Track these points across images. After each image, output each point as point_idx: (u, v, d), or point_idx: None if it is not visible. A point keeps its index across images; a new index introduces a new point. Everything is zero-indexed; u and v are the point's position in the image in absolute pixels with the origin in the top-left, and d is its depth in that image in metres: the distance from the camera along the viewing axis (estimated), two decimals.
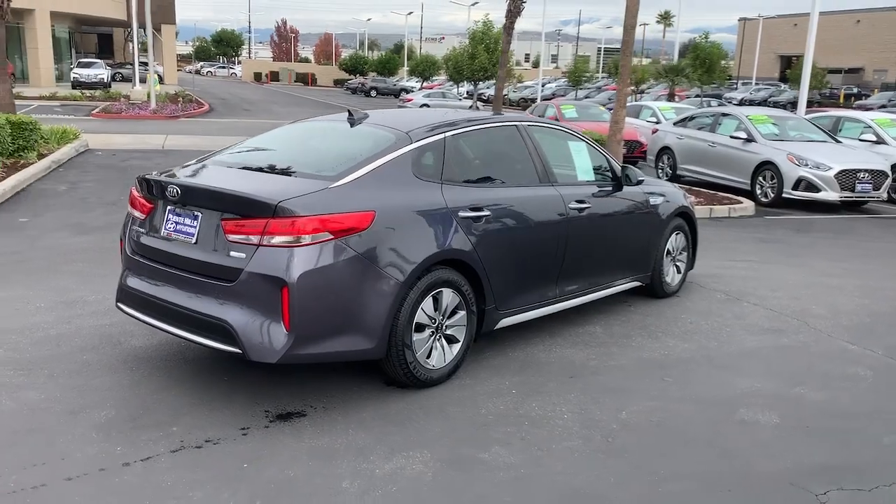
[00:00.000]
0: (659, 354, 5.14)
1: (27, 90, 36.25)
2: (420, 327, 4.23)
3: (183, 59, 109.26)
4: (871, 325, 5.97)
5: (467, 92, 44.06)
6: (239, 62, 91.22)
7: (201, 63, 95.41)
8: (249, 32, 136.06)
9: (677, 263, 6.60)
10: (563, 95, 44.43)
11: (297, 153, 4.64)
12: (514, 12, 17.87)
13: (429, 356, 4.34)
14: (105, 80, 41.50)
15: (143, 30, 60.94)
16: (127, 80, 48.52)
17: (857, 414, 4.30)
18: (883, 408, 4.40)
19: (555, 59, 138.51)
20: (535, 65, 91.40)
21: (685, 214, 6.57)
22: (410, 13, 69.09)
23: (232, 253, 3.83)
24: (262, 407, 4.04)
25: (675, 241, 6.46)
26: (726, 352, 5.24)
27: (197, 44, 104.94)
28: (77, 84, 39.99)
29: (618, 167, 5.86)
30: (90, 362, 4.56)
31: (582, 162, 5.65)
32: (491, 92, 42.73)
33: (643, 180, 6.08)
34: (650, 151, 15.86)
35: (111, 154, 15.39)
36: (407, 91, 47.87)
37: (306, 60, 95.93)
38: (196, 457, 3.50)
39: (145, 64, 56.46)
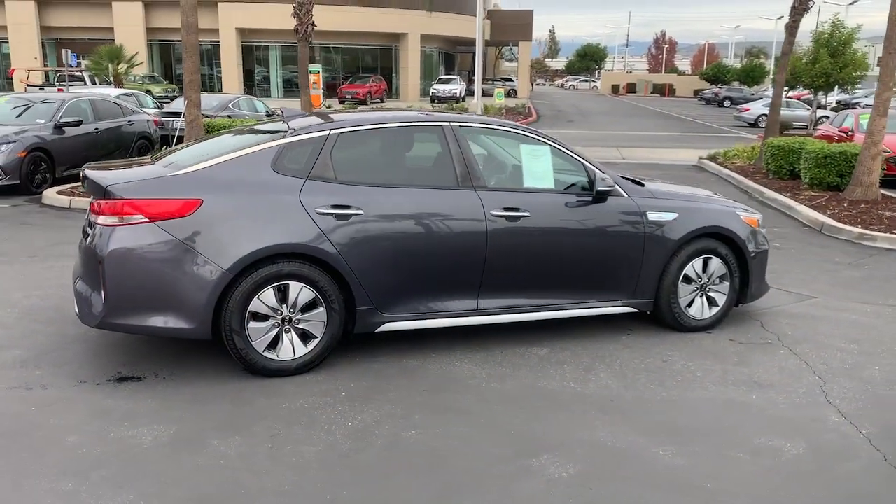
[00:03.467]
0: (557, 386, 4.55)
1: (394, 103, 41.57)
2: (259, 317, 4.41)
3: (557, 75, 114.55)
4: None
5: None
6: (599, 76, 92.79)
7: (567, 77, 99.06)
8: (626, 45, 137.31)
9: (710, 294, 5.60)
10: None
11: (200, 151, 5.04)
12: (798, 9, 15.76)
13: (274, 347, 4.48)
14: (458, 95, 45.50)
15: (513, 47, 65.70)
16: (488, 94, 52.78)
17: None
18: None
19: None
20: None
21: (722, 237, 5.56)
22: (780, 17, 63.41)
23: (90, 230, 4.46)
24: (115, 368, 4.60)
25: (699, 267, 5.51)
26: (643, 423, 4.35)
27: (570, 59, 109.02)
28: (434, 98, 44.47)
29: (603, 176, 5.23)
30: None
31: (537, 168, 5.18)
32: (837, 98, 37.73)
33: (636, 193, 5.34)
34: None
35: None
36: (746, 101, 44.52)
37: (674, 72, 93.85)
38: (22, 394, 4.17)
39: (507, 79, 60.88)
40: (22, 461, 3.50)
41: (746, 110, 36.62)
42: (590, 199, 5.20)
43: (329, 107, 38.28)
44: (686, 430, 4.02)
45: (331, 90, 43.40)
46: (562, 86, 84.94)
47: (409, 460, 3.62)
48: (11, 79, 36.95)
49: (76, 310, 4.53)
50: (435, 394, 4.39)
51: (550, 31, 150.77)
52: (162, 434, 3.80)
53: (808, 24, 32.05)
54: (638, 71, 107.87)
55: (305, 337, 4.57)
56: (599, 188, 5.10)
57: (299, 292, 4.47)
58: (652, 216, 5.33)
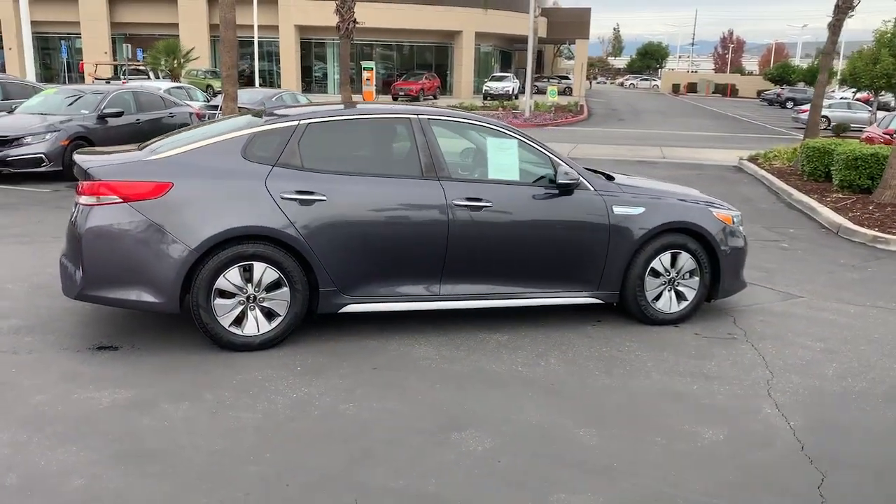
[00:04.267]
0: (504, 369, 4.74)
1: (446, 100, 41.89)
2: (225, 294, 4.72)
3: (619, 73, 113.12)
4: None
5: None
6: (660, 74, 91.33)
7: (627, 76, 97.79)
8: (692, 44, 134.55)
9: (679, 289, 5.69)
10: None
11: (182, 138, 5.35)
12: (842, 8, 15.40)
13: (239, 323, 4.79)
14: (511, 92, 45.50)
15: (570, 45, 65.33)
16: (542, 92, 52.60)
17: None
18: None
19: None
20: None
21: (692, 232, 5.64)
22: (851, 16, 61.17)
23: (74, 210, 4.84)
24: (98, 338, 4.98)
25: (667, 262, 5.61)
26: (574, 406, 4.52)
27: (632, 57, 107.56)
28: (487, 95, 44.57)
29: (573, 171, 5.38)
30: None
31: (503, 160, 5.36)
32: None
33: (603, 187, 5.47)
34: None
35: None
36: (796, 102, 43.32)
37: (739, 72, 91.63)
38: (8, 358, 4.58)
39: (564, 77, 60.56)
40: None
41: (804, 111, 35.67)
42: (556, 191, 5.35)
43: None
44: (613, 415, 4.16)
45: (388, 87, 43.95)
46: (622, 84, 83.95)
47: (337, 429, 3.86)
48: (82, 73, 38.63)
49: (61, 283, 4.92)
50: (384, 371, 4.63)
51: (615, 28, 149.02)
52: (120, 397, 4.13)
53: (872, 24, 30.90)
54: (704, 70, 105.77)
55: (270, 315, 4.85)
56: (560, 181, 5.26)
57: (263, 272, 4.76)
58: (618, 210, 5.45)
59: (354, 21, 18.63)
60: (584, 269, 5.45)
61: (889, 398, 4.52)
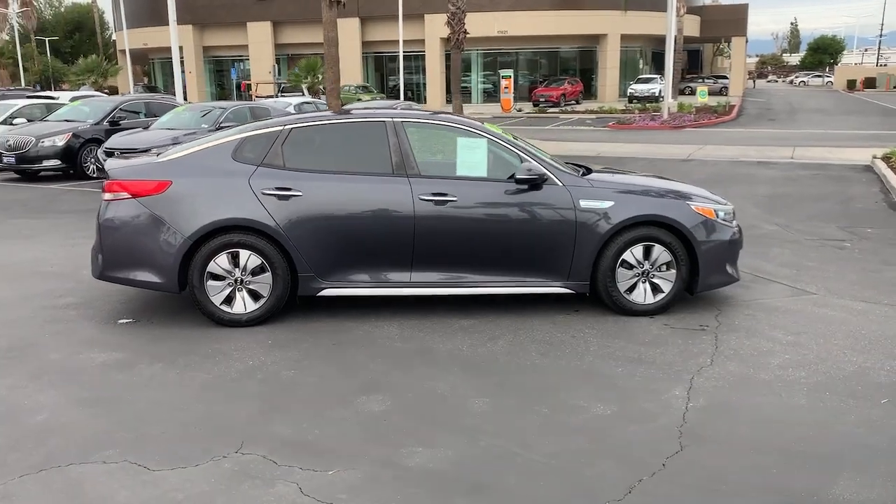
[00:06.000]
0: (448, 348, 5.17)
1: (589, 104, 41.77)
2: (216, 276, 5.52)
3: (792, 70, 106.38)
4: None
5: None
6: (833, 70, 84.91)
7: (797, 73, 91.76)
8: (880, 35, 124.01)
9: (654, 281, 5.84)
10: None
11: (192, 143, 6.13)
12: None
13: (230, 302, 5.57)
14: (657, 94, 44.47)
15: (726, 43, 62.67)
16: (693, 93, 50.83)
17: None
18: None
19: None
20: None
21: (666, 226, 5.77)
22: None
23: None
24: (126, 312, 5.94)
25: (639, 254, 5.78)
26: (486, 380, 4.86)
27: (805, 53, 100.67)
28: (632, 98, 43.85)
29: (538, 167, 5.70)
30: None
31: (471, 158, 5.77)
32: None
33: (572, 182, 5.75)
34: None
35: None
36: None
37: None
38: (46, 323, 5.61)
39: (722, 77, 58.15)
40: (7, 367, 4.86)
41: None
42: (524, 186, 5.70)
43: (520, 110, 39.39)
44: (518, 389, 4.50)
45: (531, 94, 44.42)
46: (791, 82, 79.04)
47: (266, 390, 4.49)
48: (242, 91, 42.23)
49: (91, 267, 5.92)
50: (341, 347, 5.21)
51: (792, 23, 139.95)
52: (111, 358, 5.00)
53: None
54: (894, 63, 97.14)
55: (255, 296, 5.58)
56: (518, 176, 5.60)
57: (248, 258, 5.50)
58: (584, 204, 5.70)
59: (465, 33, 19.38)
60: (552, 260, 5.74)
61: (815, 387, 4.50)
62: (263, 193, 5.48)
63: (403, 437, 3.89)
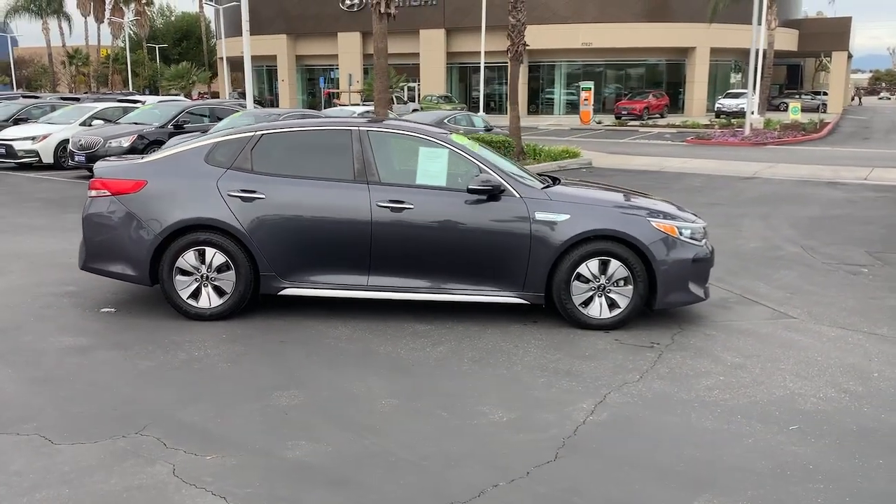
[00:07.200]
0: (387, 351, 5.33)
1: (673, 118, 40.90)
2: (184, 272, 5.87)
3: None
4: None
5: None
6: None
7: None
8: None
9: (611, 296, 5.83)
10: None
11: (178, 146, 6.50)
12: None
13: (196, 297, 5.91)
14: (744, 109, 43.09)
15: (826, 58, 60.07)
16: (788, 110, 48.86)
17: None
18: None
19: None
20: None
21: (624, 241, 5.75)
22: None
23: None
24: (112, 301, 6.37)
25: (595, 268, 5.78)
26: (406, 383, 4.98)
27: None
28: (719, 113, 42.63)
29: (495, 178, 5.80)
30: None
31: (432, 168, 5.91)
32: None
33: (529, 194, 5.81)
34: None
35: (591, 171, 17.73)
36: None
37: None
38: (38, 309, 6.10)
39: (818, 92, 55.72)
40: None
41: None
42: (482, 197, 5.80)
43: (599, 122, 38.99)
44: (430, 393, 4.61)
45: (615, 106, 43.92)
46: None
47: (196, 380, 4.77)
48: (326, 98, 43.57)
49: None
50: (285, 345, 5.45)
51: None
52: (76, 343, 5.41)
53: None
54: None
55: (221, 292, 5.90)
56: (471, 186, 5.71)
57: (213, 256, 5.83)
58: (540, 216, 5.75)
59: (525, 45, 19.36)
60: (507, 270, 5.81)
61: (731, 410, 4.42)
62: (229, 195, 5.79)
63: (295, 431, 4.08)
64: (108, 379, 4.77)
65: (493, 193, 5.77)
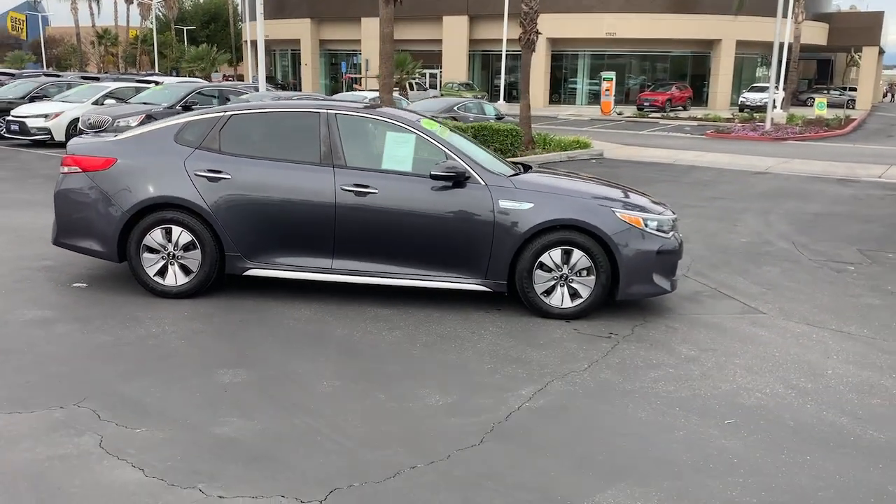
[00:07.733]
0: (343, 334, 5.36)
1: (695, 111, 40.44)
2: (151, 250, 5.95)
3: None
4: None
5: None
6: None
7: None
8: None
9: (572, 285, 5.82)
10: None
11: (152, 125, 6.54)
12: None
13: (163, 274, 5.99)
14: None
15: (857, 53, 58.94)
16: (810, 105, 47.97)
17: None
18: None
19: None
20: None
21: (587, 231, 5.72)
22: None
23: None
24: (84, 276, 6.48)
25: (557, 257, 5.76)
26: (353, 365, 5.01)
27: None
28: (743, 107, 42.08)
29: (460, 165, 5.80)
30: None
31: (398, 153, 5.92)
32: None
33: (494, 181, 5.80)
34: None
35: (601, 162, 17.65)
36: None
37: None
38: (12, 283, 6.23)
39: (847, 88, 54.71)
40: None
41: None
42: (447, 183, 5.80)
43: (620, 113, 38.64)
44: (374, 375, 4.65)
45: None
46: None
47: (145, 356, 4.85)
48: (343, 83, 43.68)
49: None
50: (244, 324, 5.51)
51: None
52: (40, 316, 5.51)
53: None
54: None
55: (187, 270, 5.97)
56: (433, 172, 5.71)
57: (180, 235, 5.89)
58: (503, 204, 5.74)
59: (537, 33, 19.20)
60: (470, 257, 5.82)
61: (670, 403, 4.40)
62: (196, 175, 5.85)
63: (230, 408, 4.14)
64: (62, 352, 4.86)
65: (458, 180, 5.76)
